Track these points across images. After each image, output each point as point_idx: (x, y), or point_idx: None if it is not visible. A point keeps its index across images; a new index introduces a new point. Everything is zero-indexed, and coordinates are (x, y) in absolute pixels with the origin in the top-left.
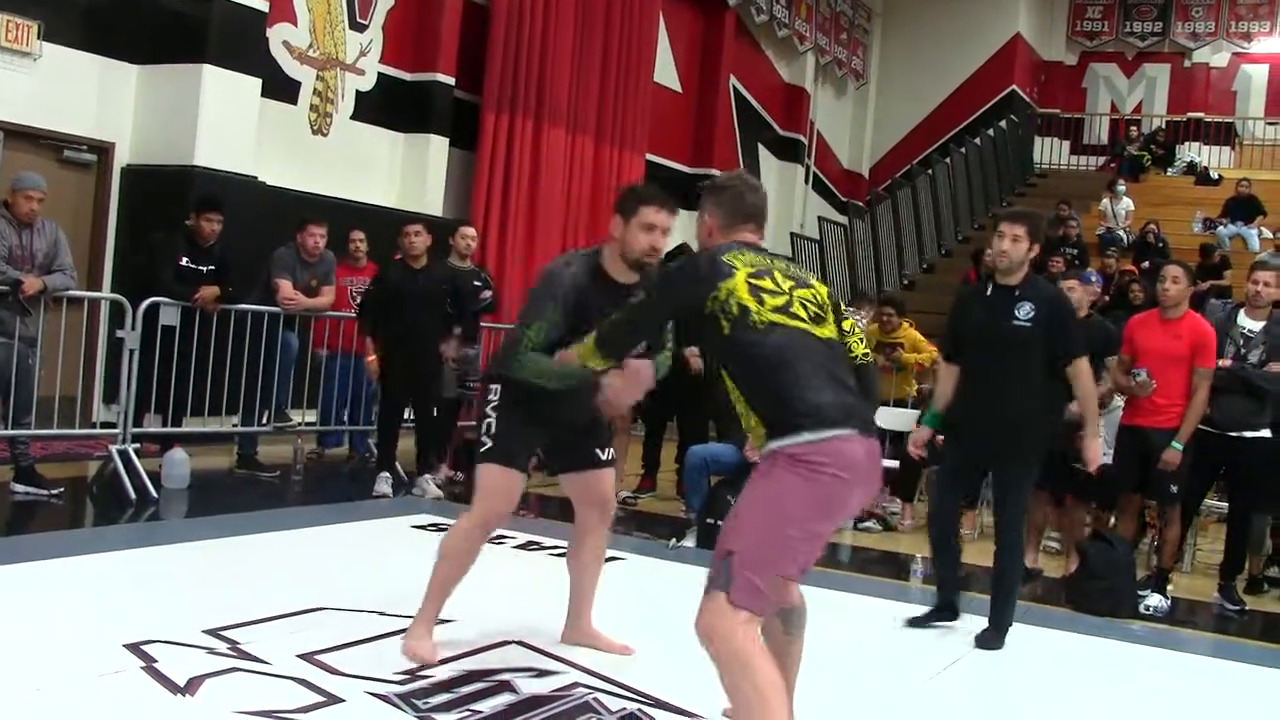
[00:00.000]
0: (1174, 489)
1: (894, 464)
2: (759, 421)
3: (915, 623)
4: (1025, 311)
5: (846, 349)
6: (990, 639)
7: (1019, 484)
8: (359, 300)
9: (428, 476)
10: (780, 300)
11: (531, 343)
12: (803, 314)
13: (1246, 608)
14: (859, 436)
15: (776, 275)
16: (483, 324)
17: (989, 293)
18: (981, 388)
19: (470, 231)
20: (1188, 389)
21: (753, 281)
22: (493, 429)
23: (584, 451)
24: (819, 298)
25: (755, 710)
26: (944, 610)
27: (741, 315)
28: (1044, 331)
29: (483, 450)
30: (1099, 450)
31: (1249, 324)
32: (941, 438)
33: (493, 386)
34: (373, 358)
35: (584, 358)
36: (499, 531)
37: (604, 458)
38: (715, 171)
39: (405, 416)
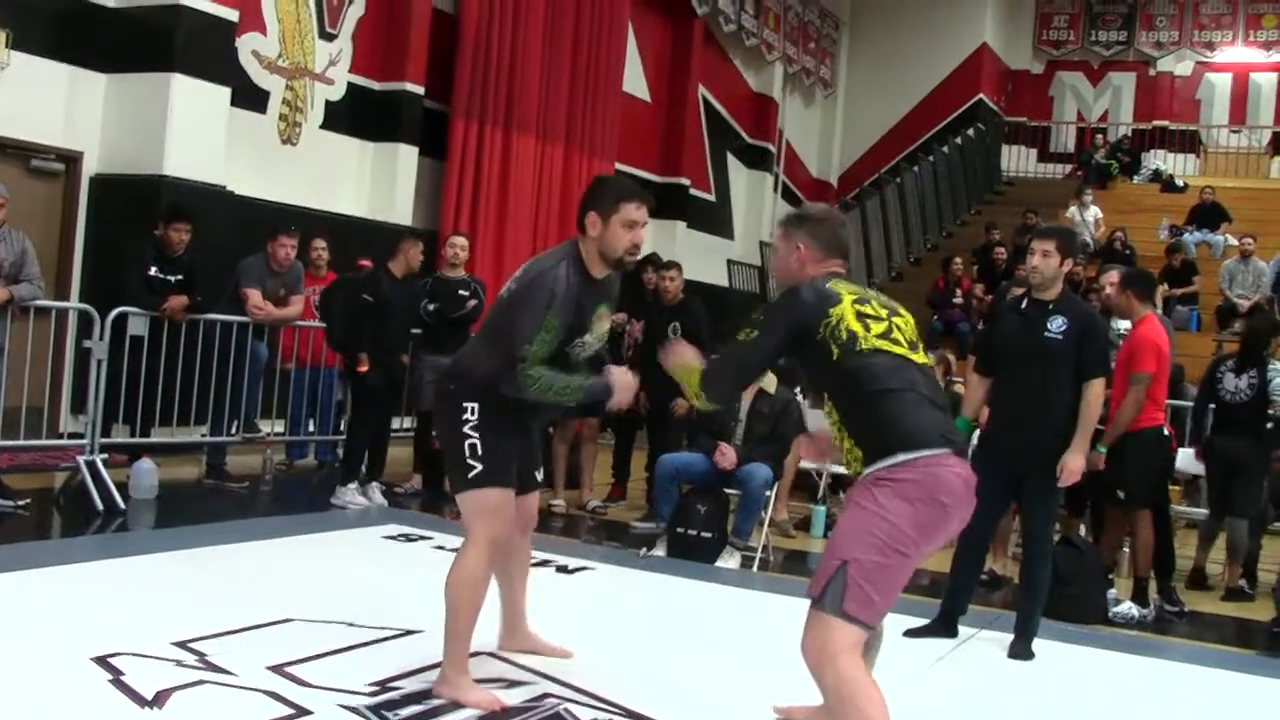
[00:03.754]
0: (1120, 494)
1: None
2: (854, 445)
3: (912, 634)
4: (1058, 325)
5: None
6: (1020, 650)
7: (1048, 493)
8: (342, 309)
9: (374, 485)
10: (882, 327)
11: (538, 357)
12: (902, 340)
13: (1185, 609)
14: (954, 456)
15: (874, 302)
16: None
17: (1024, 306)
18: (1014, 398)
19: (459, 240)
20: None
21: (858, 308)
22: (479, 450)
23: (525, 475)
24: (910, 326)
25: None
26: (943, 625)
27: (849, 341)
28: (1075, 346)
29: (472, 475)
30: (1074, 465)
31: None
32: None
33: (467, 405)
34: (364, 368)
35: (686, 387)
36: None
37: (539, 478)
38: (684, 180)
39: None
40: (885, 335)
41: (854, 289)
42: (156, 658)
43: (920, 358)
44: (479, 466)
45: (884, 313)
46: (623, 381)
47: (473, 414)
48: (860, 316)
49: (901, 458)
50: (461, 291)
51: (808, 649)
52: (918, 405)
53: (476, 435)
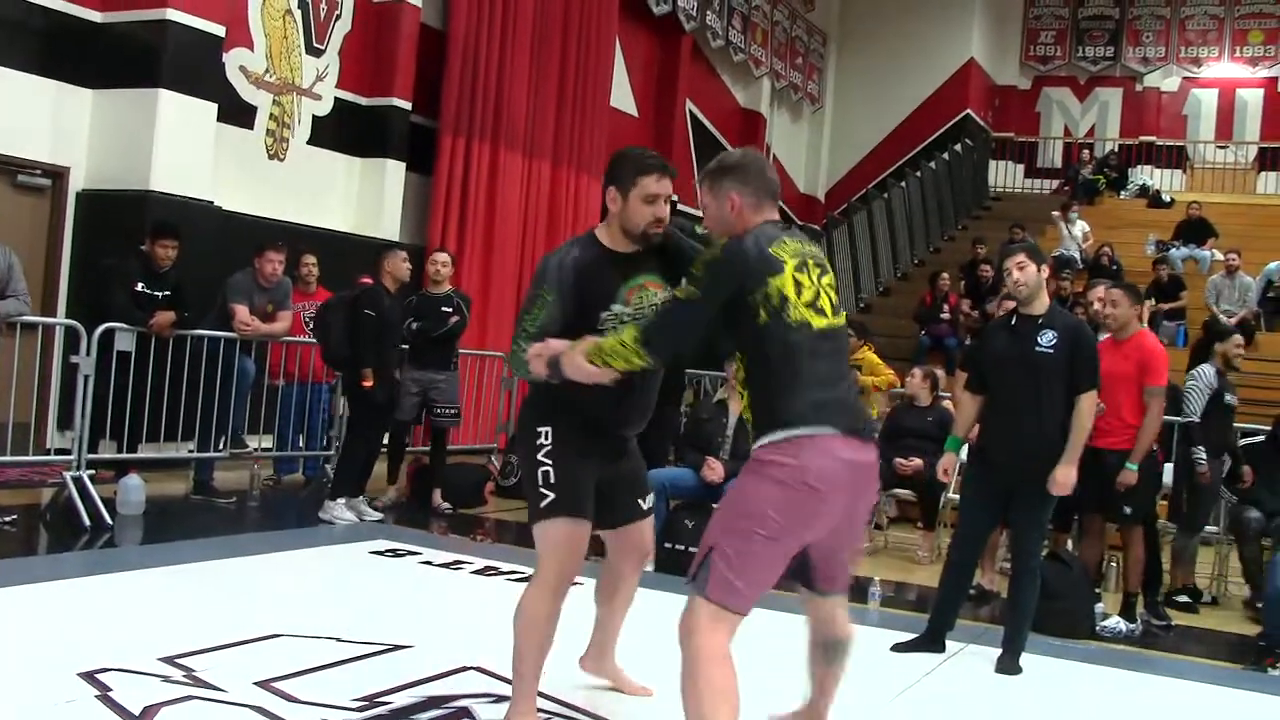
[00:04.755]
0: (1127, 510)
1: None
2: (749, 411)
3: (899, 648)
4: (1048, 339)
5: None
6: (1008, 664)
7: (1039, 508)
8: (344, 325)
9: (361, 500)
10: (810, 294)
11: (527, 334)
12: (827, 307)
13: (1171, 623)
14: (839, 438)
15: (810, 265)
16: (461, 350)
17: (1013, 322)
18: (1007, 413)
19: (441, 257)
20: (1138, 408)
21: (796, 276)
22: (551, 477)
23: (628, 504)
24: (834, 286)
25: (699, 713)
26: (931, 639)
27: (780, 306)
28: (1066, 359)
29: (544, 504)
30: (1066, 479)
31: None
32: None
33: (539, 430)
34: (370, 384)
35: (616, 354)
36: (456, 557)
37: (646, 507)
38: (673, 196)
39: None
40: (812, 304)
41: (795, 251)
42: (144, 673)
43: (840, 320)
44: (551, 495)
45: (815, 275)
46: (568, 361)
47: (546, 438)
48: (797, 284)
49: (780, 435)
50: (445, 308)
51: (680, 624)
52: (812, 382)
53: (550, 462)
